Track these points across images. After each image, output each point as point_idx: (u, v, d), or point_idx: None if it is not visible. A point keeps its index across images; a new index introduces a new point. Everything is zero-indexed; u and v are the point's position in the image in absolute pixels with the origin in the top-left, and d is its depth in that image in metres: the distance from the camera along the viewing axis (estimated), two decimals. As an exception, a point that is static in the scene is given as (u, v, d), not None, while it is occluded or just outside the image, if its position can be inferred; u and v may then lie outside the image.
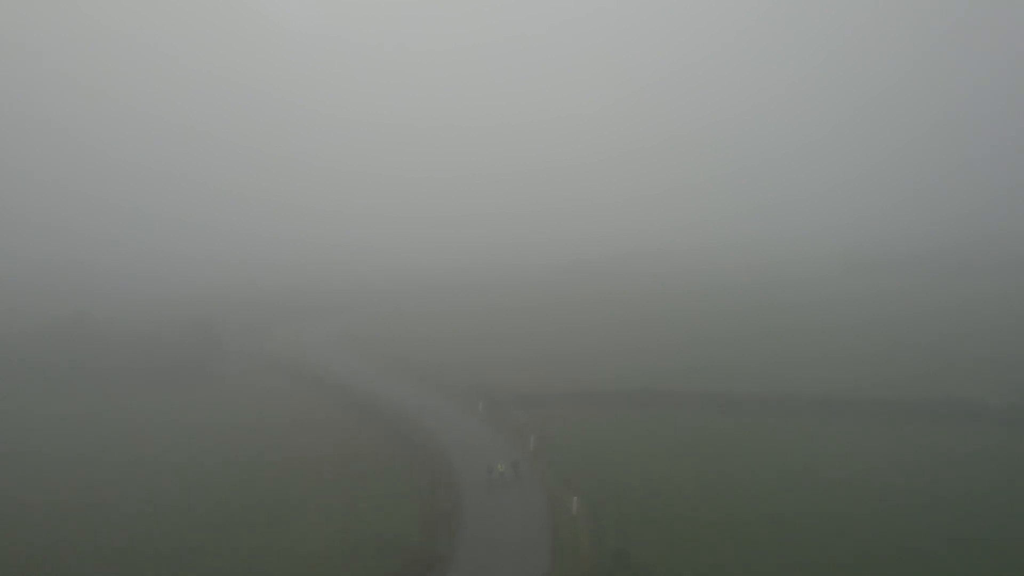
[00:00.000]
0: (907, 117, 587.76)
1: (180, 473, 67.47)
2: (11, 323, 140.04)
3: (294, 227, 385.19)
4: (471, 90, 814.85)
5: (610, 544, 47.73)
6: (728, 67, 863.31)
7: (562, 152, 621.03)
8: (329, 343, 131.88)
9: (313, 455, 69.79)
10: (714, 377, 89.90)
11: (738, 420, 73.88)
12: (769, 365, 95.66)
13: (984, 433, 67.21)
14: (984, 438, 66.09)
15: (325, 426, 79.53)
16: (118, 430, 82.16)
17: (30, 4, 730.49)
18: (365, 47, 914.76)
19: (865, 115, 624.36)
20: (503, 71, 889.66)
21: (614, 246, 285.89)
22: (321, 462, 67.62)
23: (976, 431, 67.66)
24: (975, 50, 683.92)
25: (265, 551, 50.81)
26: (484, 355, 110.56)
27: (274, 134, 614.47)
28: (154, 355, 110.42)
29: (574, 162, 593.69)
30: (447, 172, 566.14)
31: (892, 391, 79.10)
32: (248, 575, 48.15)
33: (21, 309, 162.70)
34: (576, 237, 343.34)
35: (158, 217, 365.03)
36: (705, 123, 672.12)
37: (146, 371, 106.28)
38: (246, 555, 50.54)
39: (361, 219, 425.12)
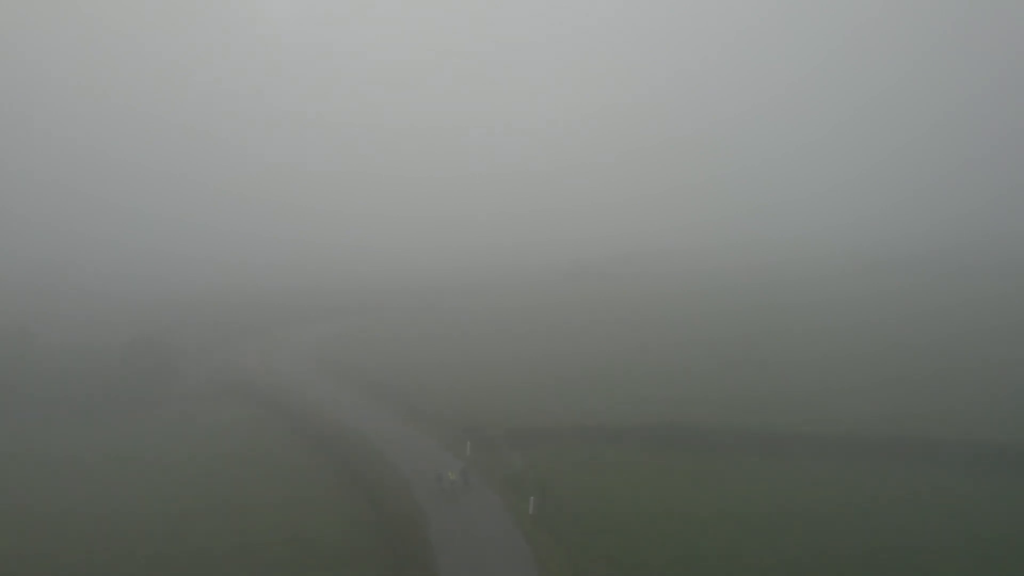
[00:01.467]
0: (907, 117, 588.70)
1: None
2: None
3: (294, 227, 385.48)
4: (472, 91, 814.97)
5: None
6: (728, 67, 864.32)
7: (562, 152, 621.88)
8: (309, 356, 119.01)
9: (256, 528, 51.25)
10: (736, 396, 78.18)
11: (785, 467, 57.77)
12: (795, 385, 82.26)
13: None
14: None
15: (280, 477, 61.88)
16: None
17: (30, 4, 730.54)
18: (366, 49, 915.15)
19: (865, 115, 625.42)
20: (503, 72, 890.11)
21: (615, 246, 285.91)
22: (265, 539, 49.54)
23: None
24: (975, 50, 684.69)
25: None
26: (477, 374, 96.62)
27: (274, 134, 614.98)
28: (91, 375, 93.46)
29: (574, 162, 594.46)
30: (447, 172, 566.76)
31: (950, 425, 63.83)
32: None
33: None
34: (576, 237, 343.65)
35: (158, 217, 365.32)
36: (705, 123, 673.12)
37: (71, 397, 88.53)
38: None
39: (361, 219, 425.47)
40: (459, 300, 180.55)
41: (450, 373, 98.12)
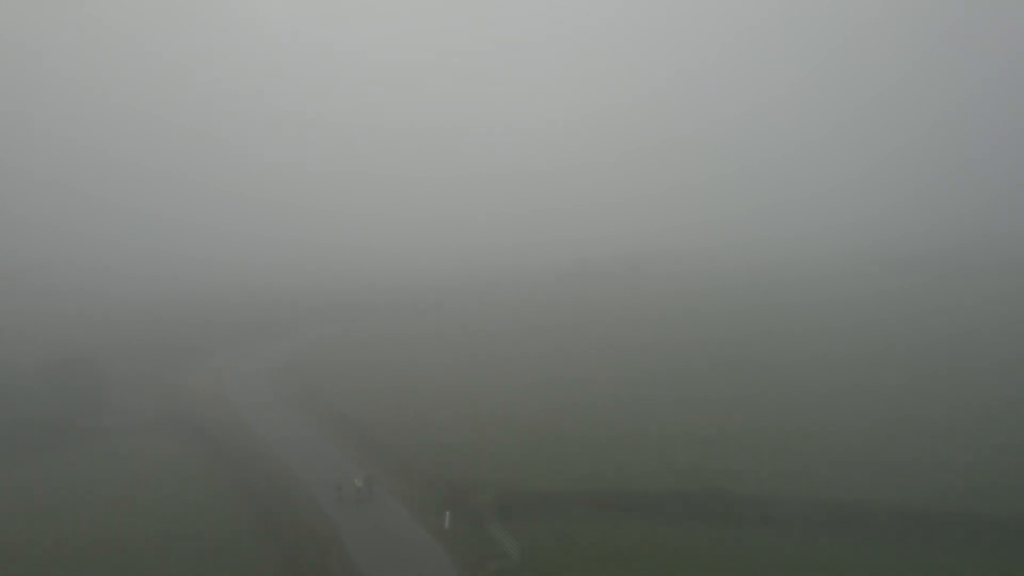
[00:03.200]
0: (907, 117, 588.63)
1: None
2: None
3: (294, 227, 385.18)
4: (472, 91, 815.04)
5: None
6: (729, 67, 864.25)
7: (562, 152, 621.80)
8: (271, 376, 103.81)
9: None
10: (775, 426, 64.67)
11: (868, 551, 42.73)
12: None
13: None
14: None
15: (202, 556, 46.77)
16: None
17: (30, 4, 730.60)
18: (366, 49, 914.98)
19: (865, 115, 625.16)
20: (503, 72, 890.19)
21: (615, 247, 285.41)
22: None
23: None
24: (975, 50, 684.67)
25: None
26: (466, 405, 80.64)
27: (274, 134, 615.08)
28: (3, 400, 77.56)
29: (574, 162, 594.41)
30: (447, 172, 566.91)
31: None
32: None
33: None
34: (576, 237, 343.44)
35: (159, 217, 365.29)
36: (705, 123, 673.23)
37: None
38: None
39: (361, 219, 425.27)
40: (454, 306, 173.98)
41: (434, 402, 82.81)
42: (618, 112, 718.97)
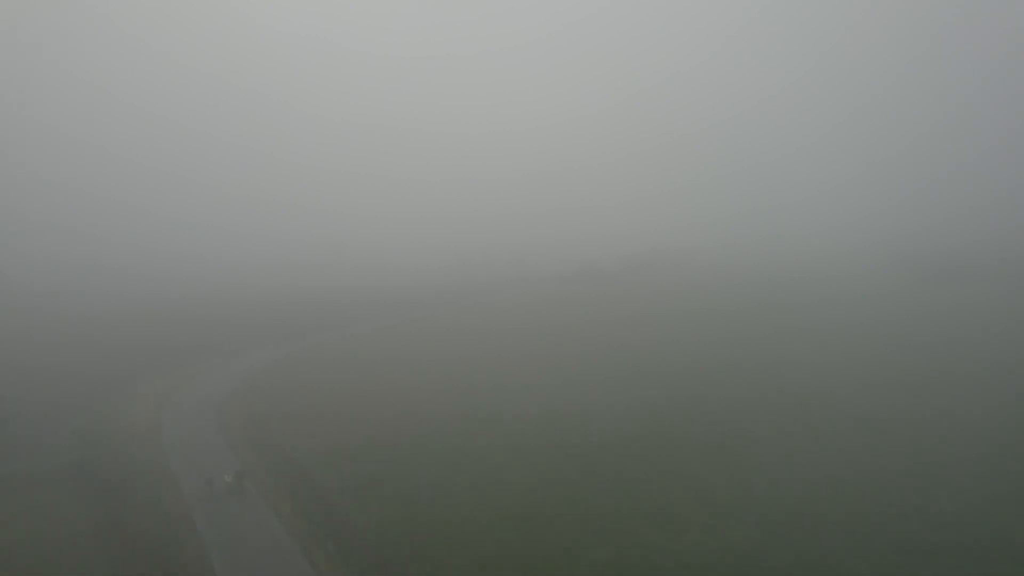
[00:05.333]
0: (906, 117, 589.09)
1: None
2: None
3: (292, 226, 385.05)
4: (471, 91, 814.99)
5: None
6: (729, 68, 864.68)
7: (563, 153, 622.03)
8: (218, 408, 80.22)
9: None
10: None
11: None
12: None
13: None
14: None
15: None
16: None
17: (31, 3, 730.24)
18: (366, 48, 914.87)
19: (865, 115, 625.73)
20: (502, 72, 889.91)
21: (617, 247, 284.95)
22: None
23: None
24: (974, 50, 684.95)
25: None
26: (450, 455, 59.70)
27: (273, 134, 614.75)
28: None
29: (575, 163, 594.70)
30: (447, 174, 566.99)
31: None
32: None
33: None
34: (576, 238, 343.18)
35: (153, 215, 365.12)
36: (706, 124, 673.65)
37: None
38: None
39: (359, 219, 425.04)
40: (449, 313, 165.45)
41: (410, 453, 61.26)
42: (618, 112, 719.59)
